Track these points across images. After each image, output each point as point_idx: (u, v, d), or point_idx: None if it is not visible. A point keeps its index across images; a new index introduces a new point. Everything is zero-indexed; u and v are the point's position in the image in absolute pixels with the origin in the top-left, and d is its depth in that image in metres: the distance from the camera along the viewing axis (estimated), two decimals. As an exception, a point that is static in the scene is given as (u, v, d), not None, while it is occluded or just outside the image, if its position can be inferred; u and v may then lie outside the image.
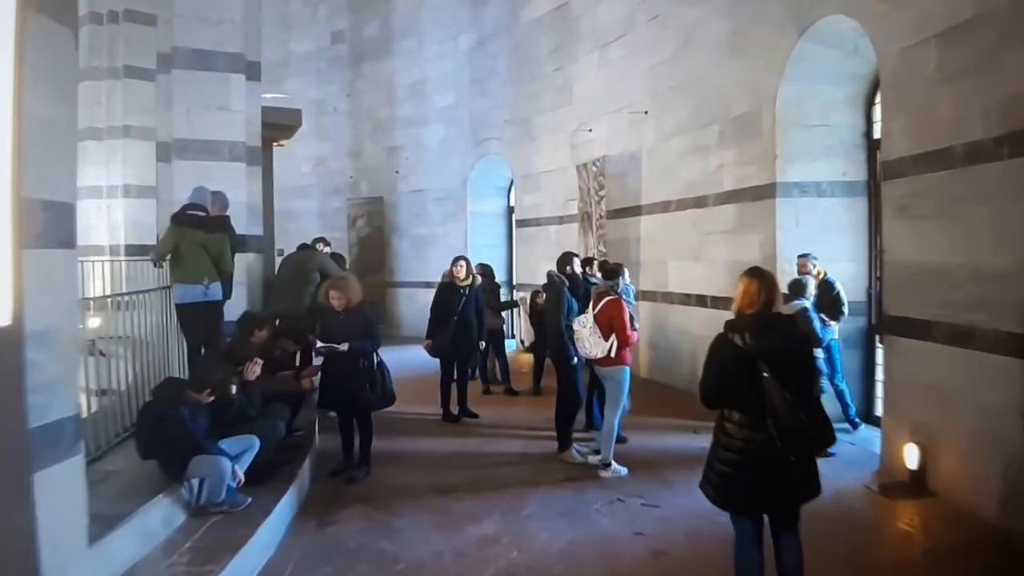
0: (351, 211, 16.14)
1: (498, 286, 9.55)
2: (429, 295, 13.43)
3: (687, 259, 9.14)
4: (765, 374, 3.27)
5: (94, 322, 5.37)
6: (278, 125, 8.05)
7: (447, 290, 7.85)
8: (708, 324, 7.86)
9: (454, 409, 7.92)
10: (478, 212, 14.17)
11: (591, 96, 11.15)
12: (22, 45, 2.64)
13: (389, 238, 15.59)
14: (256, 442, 4.79)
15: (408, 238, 15.30)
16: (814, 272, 6.93)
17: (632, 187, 10.16)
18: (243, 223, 7.53)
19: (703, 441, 4.28)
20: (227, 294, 6.76)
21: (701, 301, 8.78)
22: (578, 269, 6.87)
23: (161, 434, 4.43)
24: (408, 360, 10.99)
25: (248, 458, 4.74)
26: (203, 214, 6.44)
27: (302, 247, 8.90)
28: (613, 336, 5.86)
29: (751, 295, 3.45)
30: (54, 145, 2.97)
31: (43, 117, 2.84)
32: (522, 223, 12.94)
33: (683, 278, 9.24)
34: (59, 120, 3.01)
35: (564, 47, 11.78)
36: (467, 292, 7.73)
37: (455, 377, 8.02)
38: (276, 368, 5.99)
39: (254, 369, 5.23)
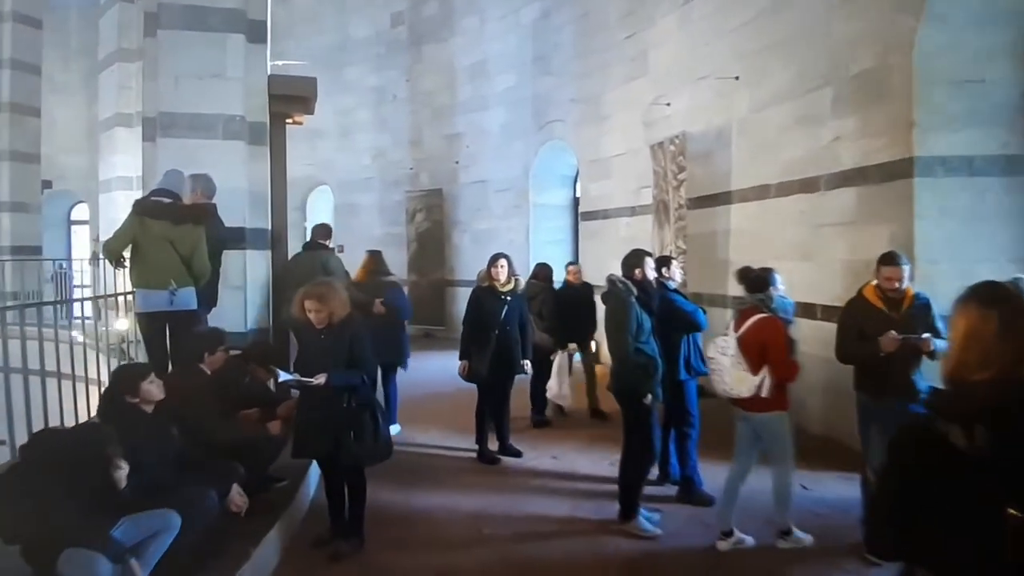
0: (410, 205, 14.69)
1: (555, 292, 7.76)
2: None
3: (791, 258, 7.18)
4: (1014, 512, 1.48)
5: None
6: (289, 97, 6.56)
7: (486, 296, 6.18)
8: (819, 341, 6.02)
9: (493, 446, 6.24)
10: (541, 204, 12.42)
11: (669, 64, 9.25)
12: None
13: (449, 233, 14.05)
14: (174, 521, 3.23)
15: (469, 233, 13.72)
16: None
17: (719, 169, 8.23)
18: (241, 214, 6.10)
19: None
20: (208, 301, 5.29)
21: (809, 312, 6.81)
22: (651, 272, 4.98)
23: (27, 509, 2.93)
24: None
25: (161, 545, 3.19)
26: (169, 200, 4.95)
27: (309, 245, 7.43)
28: (765, 369, 4.13)
29: (986, 343, 1.66)
30: None
31: None
32: (588, 215, 11.13)
33: (787, 281, 7.24)
34: None
35: (638, 11, 9.90)
36: (510, 299, 6.03)
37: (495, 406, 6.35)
38: (244, 403, 4.42)
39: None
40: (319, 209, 17.77)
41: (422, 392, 8.90)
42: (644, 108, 9.67)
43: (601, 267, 10.60)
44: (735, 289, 8.16)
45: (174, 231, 4.87)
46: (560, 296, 7.60)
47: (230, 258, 6.01)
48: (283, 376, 3.99)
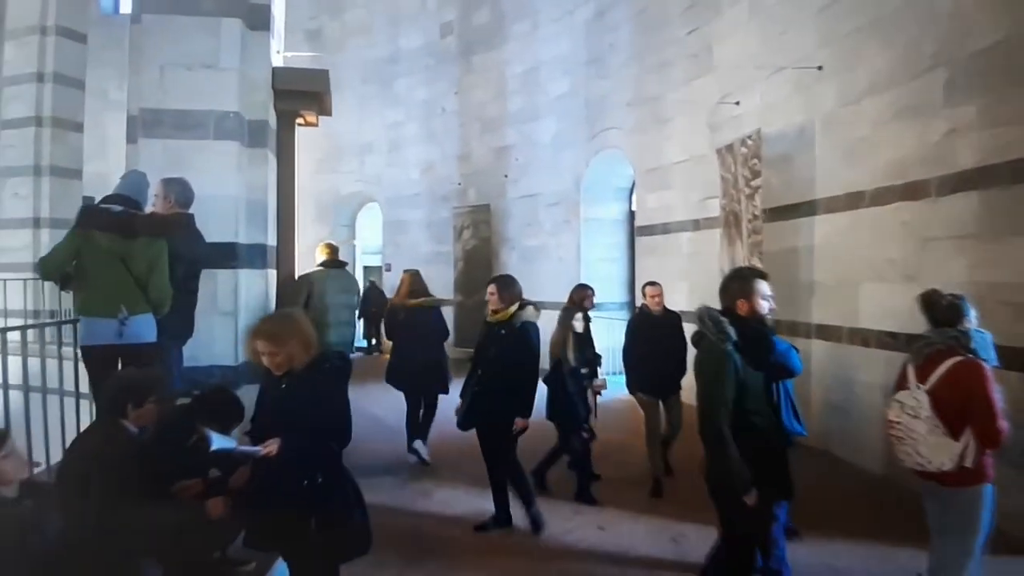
0: (457, 221, 13.67)
1: (587, 321, 5.69)
2: (541, 316, 10.88)
3: (892, 279, 5.80)
4: None
5: None
6: (299, 93, 5.57)
7: (483, 327, 5.14)
8: None
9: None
10: (593, 218, 11.19)
11: (738, 58, 7.96)
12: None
13: (496, 250, 12.95)
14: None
15: (517, 250, 12.58)
16: None
17: (800, 175, 6.89)
18: (233, 227, 5.09)
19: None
20: (178, 331, 4.26)
21: (919, 344, 5.40)
22: (765, 304, 3.26)
23: None
24: None
25: None
26: (120, 209, 3.95)
27: (329, 262, 6.45)
28: (968, 431, 2.88)
29: None
30: None
31: None
32: (645, 230, 9.83)
33: (885, 308, 5.88)
34: None
35: (701, 2, 8.65)
36: (503, 332, 4.69)
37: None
38: (186, 471, 3.29)
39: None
40: (368, 227, 16.97)
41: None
42: (709, 109, 8.39)
43: (664, 295, 9.35)
44: (820, 316, 6.82)
45: (125, 246, 3.87)
46: (637, 330, 5.74)
47: (219, 279, 5.03)
48: (217, 442, 2.88)
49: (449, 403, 6.38)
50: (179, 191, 4.42)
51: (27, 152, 11.57)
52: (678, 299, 8.82)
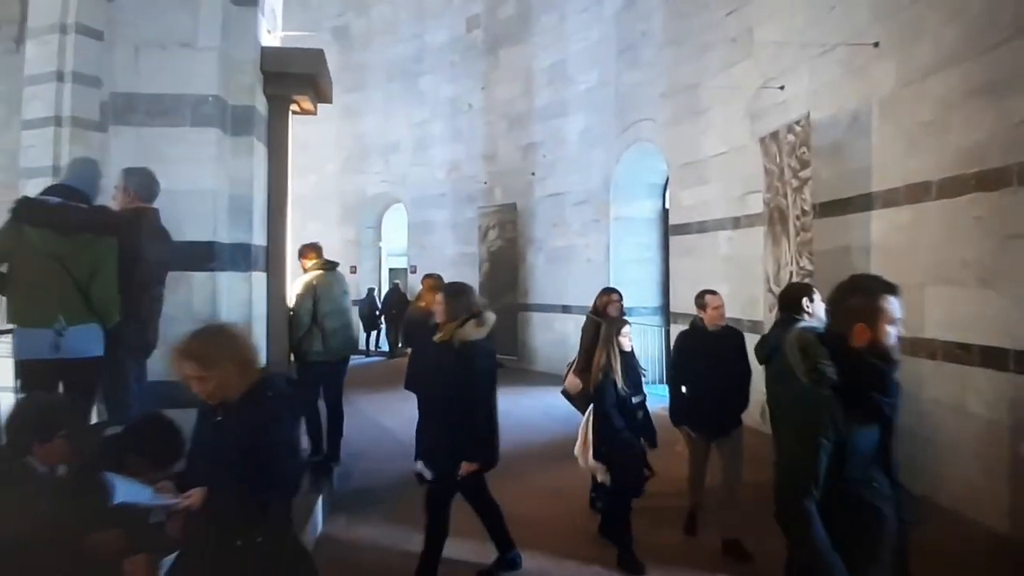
0: (482, 221, 13.04)
1: (622, 325, 4.59)
2: (568, 322, 10.15)
3: (964, 282, 4.99)
4: None
5: None
6: (289, 76, 4.96)
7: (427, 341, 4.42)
8: (1010, 401, 3.86)
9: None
10: (624, 217, 10.45)
11: (781, 39, 7.17)
12: None
13: (523, 252, 12.28)
14: None
15: (544, 252, 11.89)
16: None
17: (855, 164, 6.08)
18: (211, 224, 4.50)
19: None
20: (136, 345, 3.68)
21: (994, 358, 4.61)
22: (892, 334, 2.06)
23: None
24: (542, 411, 7.68)
25: None
26: (59, 201, 3.37)
27: (328, 264, 6.31)
28: None
29: None
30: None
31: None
32: (680, 229, 9.05)
33: (955, 315, 5.06)
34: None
35: (742, -20, 7.89)
36: (456, 350, 3.90)
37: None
38: (111, 519, 2.65)
39: None
40: (394, 227, 16.46)
41: None
42: (751, 96, 7.61)
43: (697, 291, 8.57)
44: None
45: (63, 245, 3.30)
46: (689, 351, 4.56)
47: (195, 283, 4.44)
48: (121, 492, 2.25)
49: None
50: (140, 182, 3.84)
51: (47, 152, 11.24)
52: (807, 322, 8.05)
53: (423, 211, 14.72)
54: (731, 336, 4.56)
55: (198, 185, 4.49)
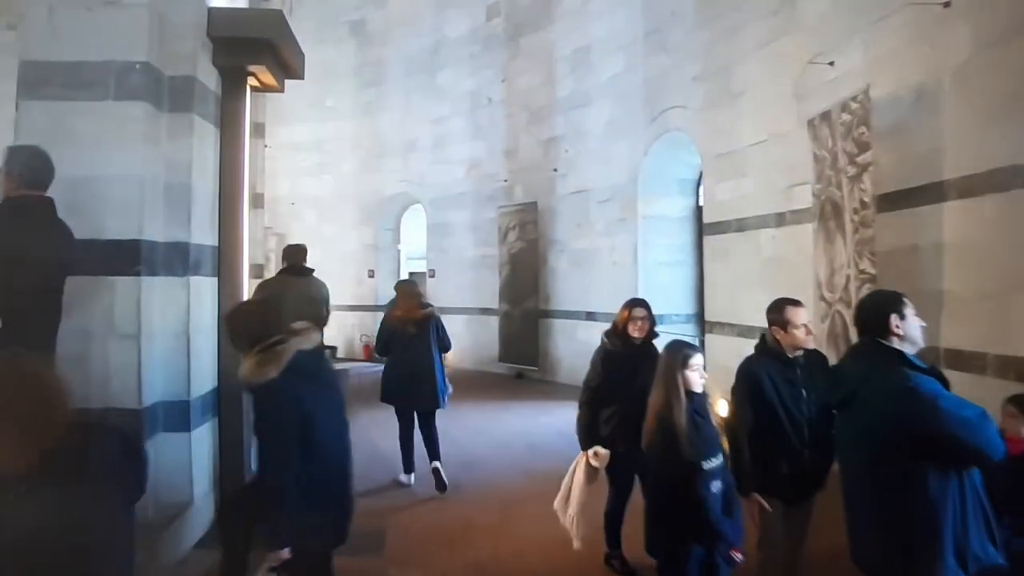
0: (502, 222, 12.15)
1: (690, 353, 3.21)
2: (592, 330, 9.29)
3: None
4: None
5: None
6: (242, 42, 4.14)
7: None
8: None
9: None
10: (653, 216, 9.45)
11: (831, 7, 6.17)
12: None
13: (544, 254, 11.36)
14: None
15: (567, 254, 10.96)
16: None
17: (922, 147, 5.05)
18: (136, 218, 3.70)
19: None
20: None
21: None
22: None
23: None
24: (560, 432, 6.92)
25: None
26: None
27: (292, 269, 6.05)
28: None
29: None
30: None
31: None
32: (715, 228, 8.03)
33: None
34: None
35: (784, -57, 6.88)
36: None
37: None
38: None
39: None
40: (413, 230, 15.67)
41: (498, 461, 6.24)
42: (796, 73, 6.60)
43: (734, 298, 7.59)
44: (953, 338, 4.94)
45: None
46: (763, 385, 3.22)
47: (118, 290, 3.65)
48: None
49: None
50: (25, 163, 3.05)
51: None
52: (757, 314, 7.04)
53: (442, 212, 13.90)
54: (817, 365, 3.30)
55: (123, 170, 3.71)
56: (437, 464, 5.63)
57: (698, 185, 9.42)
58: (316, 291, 6.01)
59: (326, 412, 2.78)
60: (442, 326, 6.04)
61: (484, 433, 7.36)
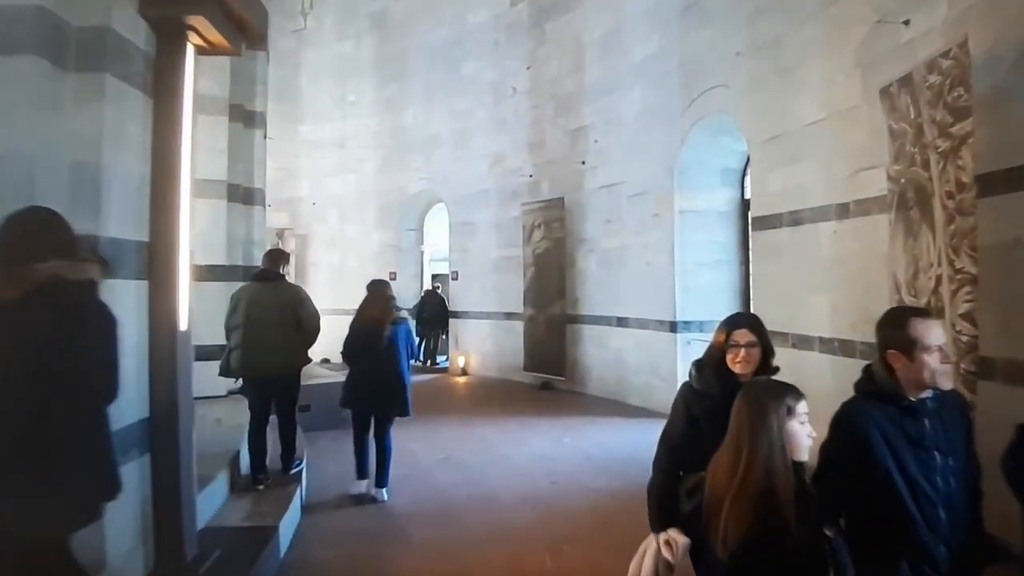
0: (526, 220, 11.23)
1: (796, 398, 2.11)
2: (624, 338, 8.44)
3: None
4: None
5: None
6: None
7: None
8: None
9: None
10: (691, 210, 8.42)
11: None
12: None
13: (572, 254, 10.39)
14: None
15: (596, 254, 9.98)
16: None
17: (1041, 113, 3.99)
18: (34, 204, 2.82)
19: None
20: None
21: None
22: None
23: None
24: (590, 456, 6.09)
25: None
26: None
27: (259, 275, 5.50)
28: None
29: None
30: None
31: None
32: (765, 222, 6.95)
33: None
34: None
35: None
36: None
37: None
38: None
39: None
40: (437, 230, 14.85)
41: (511, 494, 5.31)
42: (859, 38, 5.56)
43: (789, 307, 6.54)
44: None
45: None
46: (879, 438, 2.11)
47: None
48: None
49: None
50: None
51: None
52: (815, 323, 5.99)
53: (465, 211, 13.03)
54: (954, 412, 2.23)
55: (7, 144, 2.86)
56: (384, 492, 5.32)
57: (743, 175, 8.36)
58: (287, 296, 5.28)
59: None
60: (411, 331, 5.83)
61: (499, 458, 6.44)
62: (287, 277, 5.72)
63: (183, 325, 3.49)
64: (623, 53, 9.55)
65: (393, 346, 5.31)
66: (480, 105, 12.70)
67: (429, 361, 13.74)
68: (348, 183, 15.18)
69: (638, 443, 6.88)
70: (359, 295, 6.64)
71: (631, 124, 9.29)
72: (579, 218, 10.25)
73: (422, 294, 14.15)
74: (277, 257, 5.66)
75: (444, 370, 13.15)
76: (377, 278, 5.97)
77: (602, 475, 5.80)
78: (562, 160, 10.71)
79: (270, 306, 5.11)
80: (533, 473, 5.89)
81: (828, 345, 5.85)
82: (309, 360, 5.48)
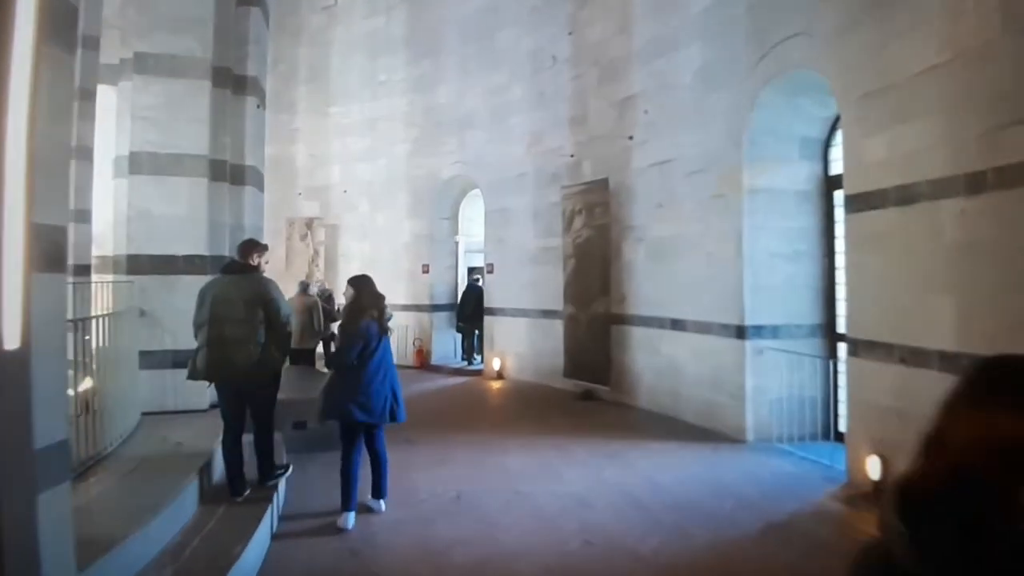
0: (566, 205, 9.92)
1: None
2: (680, 343, 7.28)
3: None
4: None
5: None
6: None
7: None
8: None
9: None
10: (763, 189, 6.95)
11: None
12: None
13: (617, 243, 9.05)
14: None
15: (645, 243, 8.62)
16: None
17: None
18: None
19: None
20: None
21: None
22: None
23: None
24: (646, 493, 5.00)
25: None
26: None
27: (226, 267, 5.00)
28: None
29: None
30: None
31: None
32: (861, 201, 5.39)
33: None
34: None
35: None
36: None
37: None
38: None
39: None
40: (473, 219, 13.66)
41: (529, 563, 4.07)
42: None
43: (897, 310, 5.05)
44: None
45: None
46: None
47: None
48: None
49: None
50: None
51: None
52: (934, 332, 4.55)
53: (500, 197, 11.80)
54: None
55: None
56: (382, 504, 4.89)
57: (826, 146, 6.89)
58: (252, 291, 4.69)
59: None
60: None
61: (522, 499, 5.19)
62: (261, 269, 4.94)
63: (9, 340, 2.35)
64: (678, 6, 8.13)
65: (388, 348, 4.89)
66: (517, 78, 11.44)
67: (468, 361, 12.75)
68: (378, 168, 14.16)
69: (700, 481, 5.57)
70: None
71: (688, 88, 7.88)
72: (626, 202, 8.89)
73: (465, 289, 13.07)
74: (249, 247, 4.97)
75: (478, 373, 11.99)
76: (360, 273, 5.14)
77: (654, 532, 4.50)
78: (607, 136, 9.36)
79: (235, 301, 4.60)
80: (563, 526, 4.63)
81: (952, 363, 4.41)
82: (282, 363, 4.94)
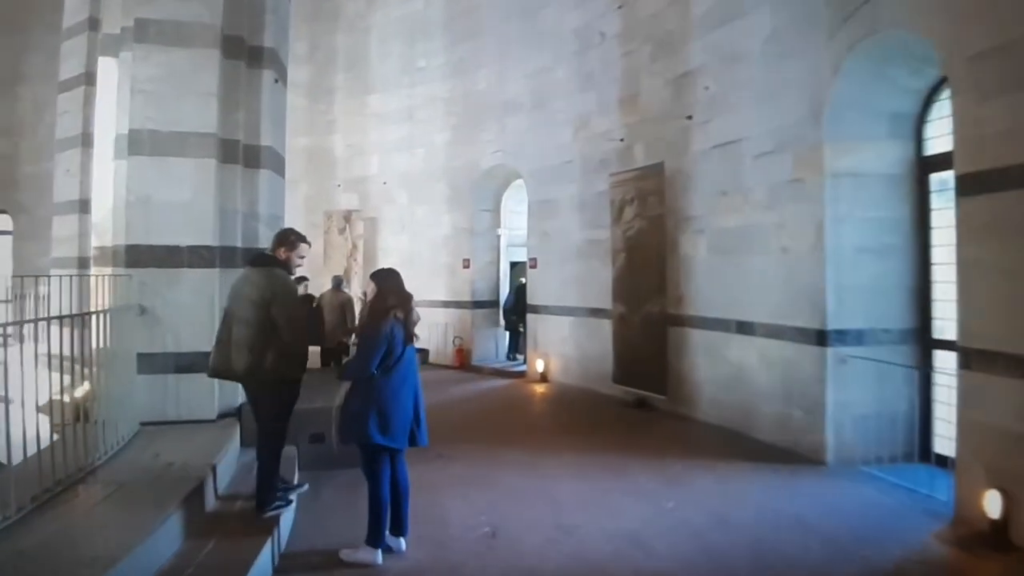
0: (614, 194, 9.14)
1: None
2: (749, 348, 6.43)
3: None
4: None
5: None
6: None
7: None
8: None
9: None
10: (847, 172, 6.03)
11: None
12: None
13: (674, 236, 8.22)
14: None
15: (707, 235, 7.78)
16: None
17: None
18: None
19: None
20: None
21: None
22: None
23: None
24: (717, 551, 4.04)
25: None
26: None
27: (256, 259, 4.52)
28: None
29: None
30: None
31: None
32: (975, 183, 4.42)
33: None
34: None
35: None
36: None
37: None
38: None
39: None
40: (517, 211, 12.96)
41: None
42: None
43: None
44: None
45: None
46: None
47: None
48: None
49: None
50: None
51: (76, 119, 8.81)
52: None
53: (544, 187, 11.08)
54: None
55: None
56: (402, 542, 4.24)
57: (920, 123, 5.97)
58: (262, 289, 4.21)
59: None
60: None
61: (568, 535, 4.47)
62: (291, 265, 4.46)
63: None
64: (743, -32, 7.27)
65: (414, 354, 4.27)
66: (561, 59, 10.69)
67: (514, 358, 12.29)
68: (417, 158, 13.58)
69: (777, 515, 4.78)
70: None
71: (756, 59, 7.00)
72: (684, 189, 8.06)
73: (516, 285, 12.48)
74: (279, 239, 4.52)
75: (521, 375, 11.31)
76: (385, 267, 4.51)
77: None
78: (661, 116, 8.54)
79: (245, 299, 4.21)
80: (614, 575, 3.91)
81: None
82: (287, 372, 4.26)
